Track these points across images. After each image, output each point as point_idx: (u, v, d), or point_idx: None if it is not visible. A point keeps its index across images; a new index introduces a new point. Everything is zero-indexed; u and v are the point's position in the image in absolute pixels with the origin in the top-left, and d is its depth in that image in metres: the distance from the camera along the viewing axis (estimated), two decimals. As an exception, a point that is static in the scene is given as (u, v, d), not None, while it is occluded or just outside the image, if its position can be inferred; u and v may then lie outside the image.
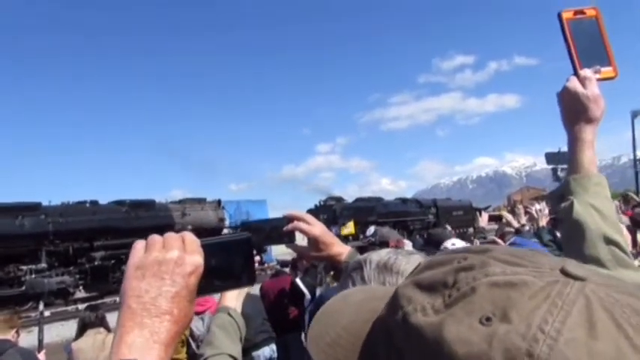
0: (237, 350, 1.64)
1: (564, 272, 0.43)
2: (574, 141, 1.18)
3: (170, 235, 0.77)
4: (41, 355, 4.45)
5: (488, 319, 0.40)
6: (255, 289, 6.64)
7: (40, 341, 4.98)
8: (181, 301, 0.72)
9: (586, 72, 1.18)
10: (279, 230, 1.49)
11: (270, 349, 5.95)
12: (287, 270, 6.65)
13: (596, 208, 1.10)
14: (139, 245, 0.76)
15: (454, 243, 4.10)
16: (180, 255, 0.74)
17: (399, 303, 0.47)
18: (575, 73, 1.20)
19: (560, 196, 1.18)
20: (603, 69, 1.20)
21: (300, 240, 1.55)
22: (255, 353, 5.85)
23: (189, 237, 0.77)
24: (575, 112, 1.18)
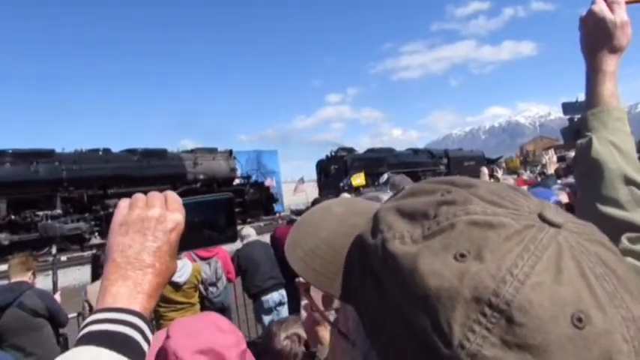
0: None
1: (541, 217, 0.44)
2: (594, 71, 1.09)
3: (153, 194, 0.81)
4: (57, 296, 4.62)
5: (462, 255, 0.41)
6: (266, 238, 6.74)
7: (55, 283, 5.13)
8: (163, 255, 0.76)
9: None
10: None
11: (279, 294, 6.11)
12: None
13: (616, 146, 1.02)
14: (124, 204, 0.81)
15: None
16: (161, 212, 0.78)
17: (378, 227, 0.48)
18: None
19: (575, 132, 1.10)
20: None
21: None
22: (264, 298, 6.04)
23: (172, 196, 0.82)
24: (598, 39, 1.09)
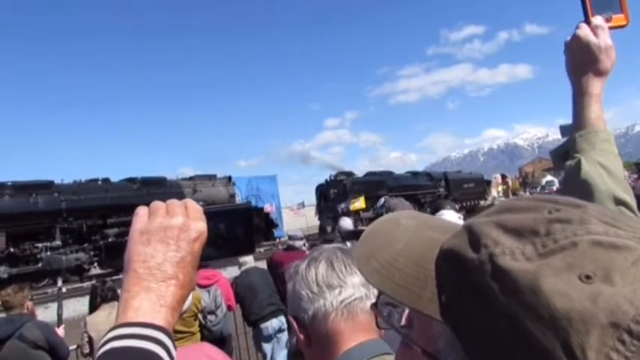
0: None
1: None
2: (580, 94, 1.11)
3: (173, 202, 0.78)
4: (60, 330, 4.52)
5: (588, 277, 0.39)
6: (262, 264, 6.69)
7: (60, 316, 5.07)
8: (186, 266, 0.72)
9: (597, 19, 1.11)
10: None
11: (278, 321, 6.02)
12: (298, 243, 6.62)
13: (604, 166, 1.03)
14: (142, 211, 0.76)
15: (443, 214, 4.09)
16: (184, 221, 0.74)
17: (481, 241, 0.45)
18: (586, 20, 1.12)
19: (564, 154, 1.11)
20: (615, 16, 1.12)
21: None
22: (263, 325, 5.95)
23: (192, 204, 0.78)
24: (583, 62, 1.10)
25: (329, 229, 6.67)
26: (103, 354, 0.63)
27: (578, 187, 1.03)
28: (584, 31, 1.11)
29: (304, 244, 6.75)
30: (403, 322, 0.59)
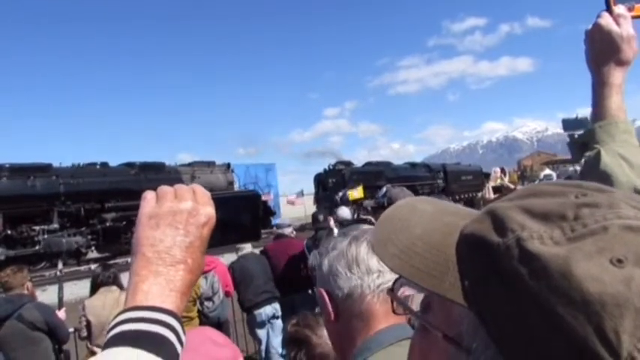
0: None
1: None
2: (600, 85, 1.09)
3: (181, 187, 0.77)
4: (61, 313, 4.53)
5: (619, 260, 0.39)
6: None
7: (60, 299, 5.08)
8: (195, 251, 0.73)
9: (620, 8, 1.09)
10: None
11: (272, 308, 6.08)
12: (287, 230, 6.75)
13: (625, 158, 1.01)
14: (150, 195, 0.76)
15: None
16: (194, 206, 0.74)
17: (506, 225, 0.45)
18: (608, 9, 1.10)
19: (582, 145, 1.09)
20: (637, 5, 1.10)
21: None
22: (256, 312, 6.01)
23: (200, 189, 0.78)
24: (604, 52, 1.08)
25: (321, 217, 6.78)
26: (112, 337, 0.63)
27: (596, 178, 0.99)
28: (606, 20, 1.09)
29: (292, 232, 6.87)
30: (417, 307, 0.59)
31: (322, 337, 1.74)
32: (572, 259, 0.40)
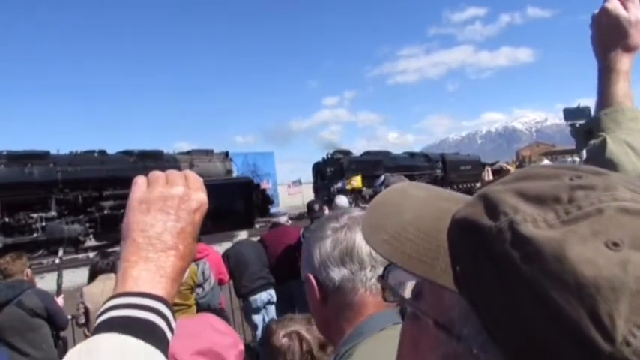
0: None
1: None
2: (607, 71, 1.06)
3: (173, 172, 0.76)
4: (60, 299, 4.55)
5: (615, 244, 0.38)
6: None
7: (59, 285, 5.10)
8: (186, 237, 0.71)
9: None
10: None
11: (267, 294, 6.13)
12: (282, 219, 6.80)
13: (631, 146, 0.98)
14: (141, 180, 0.75)
15: None
16: (185, 191, 0.73)
17: (499, 209, 0.44)
18: None
19: (587, 133, 1.06)
20: None
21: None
22: (252, 298, 6.05)
23: (192, 175, 0.77)
24: (611, 37, 1.06)
25: (316, 207, 6.77)
26: (101, 322, 0.62)
27: (602, 167, 0.98)
28: (614, 4, 1.06)
29: (287, 221, 6.96)
30: (408, 294, 0.58)
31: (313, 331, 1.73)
32: (566, 243, 0.39)
